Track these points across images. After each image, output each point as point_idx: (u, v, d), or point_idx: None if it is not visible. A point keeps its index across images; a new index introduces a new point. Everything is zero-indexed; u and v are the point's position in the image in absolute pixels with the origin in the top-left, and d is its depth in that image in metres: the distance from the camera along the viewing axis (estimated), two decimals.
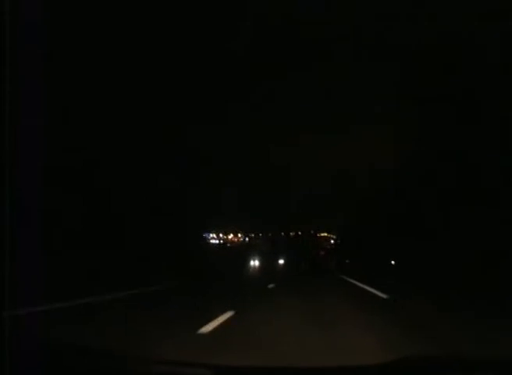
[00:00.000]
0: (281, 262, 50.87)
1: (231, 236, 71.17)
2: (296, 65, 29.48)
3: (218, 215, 50.29)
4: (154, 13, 21.40)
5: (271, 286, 15.78)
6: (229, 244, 67.59)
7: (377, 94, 27.73)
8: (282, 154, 48.29)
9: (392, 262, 29.45)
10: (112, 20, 20.10)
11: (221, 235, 68.42)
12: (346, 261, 42.12)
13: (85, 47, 19.53)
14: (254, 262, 47.57)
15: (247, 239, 71.09)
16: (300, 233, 71.66)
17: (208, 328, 5.44)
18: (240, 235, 72.24)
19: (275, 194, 57.23)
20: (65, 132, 17.32)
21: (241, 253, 49.99)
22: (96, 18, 19.37)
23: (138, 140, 24.83)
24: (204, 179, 35.90)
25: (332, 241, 69.08)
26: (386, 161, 28.36)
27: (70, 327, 5.31)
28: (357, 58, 25.45)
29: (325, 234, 72.84)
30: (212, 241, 63.16)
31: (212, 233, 64.25)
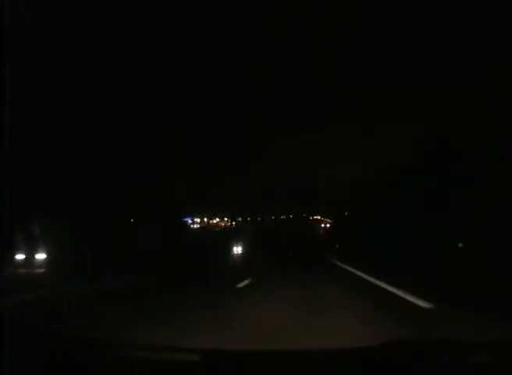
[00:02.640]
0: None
1: (217, 220, 67.59)
2: (296, 65, 29.45)
3: (203, 199, 49.17)
4: (154, 14, 21.42)
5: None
6: (217, 229, 64.38)
7: (377, 94, 27.73)
8: (282, 153, 48.33)
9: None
10: (111, 21, 20.13)
11: (205, 219, 65.17)
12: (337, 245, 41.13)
13: (85, 47, 19.54)
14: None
15: (233, 223, 67.91)
16: (291, 216, 70.07)
17: None
18: (226, 219, 69.87)
19: (270, 187, 56.87)
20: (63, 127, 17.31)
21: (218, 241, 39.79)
22: (96, 20, 19.40)
23: (137, 136, 24.94)
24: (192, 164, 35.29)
25: (323, 225, 68.48)
26: (386, 160, 28.37)
27: (57, 315, 5.18)
28: (357, 58, 25.43)
29: (319, 217, 72.19)
30: (196, 226, 60.92)
31: (197, 217, 61.67)
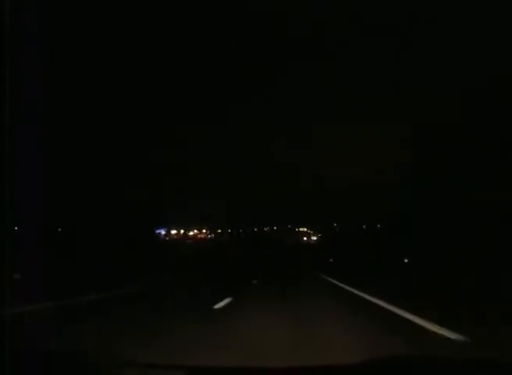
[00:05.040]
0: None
1: (195, 232, 64.96)
2: (296, 65, 29.50)
3: (181, 210, 47.45)
4: (154, 14, 21.42)
5: None
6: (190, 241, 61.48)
7: (377, 94, 27.75)
8: (282, 153, 48.36)
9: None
10: (111, 22, 20.11)
11: (182, 231, 63.37)
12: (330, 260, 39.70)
13: (85, 47, 19.53)
14: None
15: (212, 235, 66.32)
16: (275, 228, 68.22)
17: None
18: (204, 231, 66.14)
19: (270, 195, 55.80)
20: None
21: None
22: (96, 20, 19.38)
23: (135, 136, 24.88)
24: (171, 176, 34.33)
25: (314, 237, 66.74)
26: (386, 160, 28.34)
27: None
28: (357, 58, 25.46)
29: (305, 229, 70.64)
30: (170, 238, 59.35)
31: (172, 229, 59.92)
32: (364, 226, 39.49)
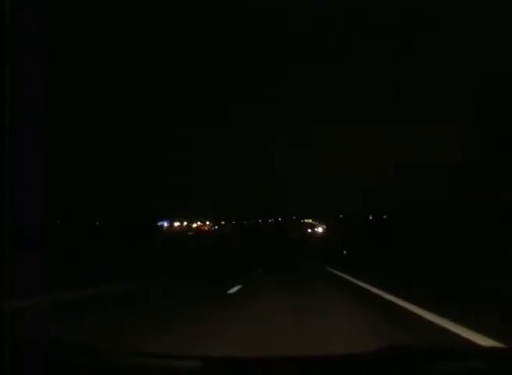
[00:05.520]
0: None
1: (198, 224, 64.05)
2: (296, 65, 29.53)
3: (181, 210, 46.89)
4: (154, 14, 21.43)
5: None
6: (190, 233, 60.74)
7: (377, 94, 27.75)
8: (282, 153, 48.40)
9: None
10: (111, 21, 20.12)
11: (185, 223, 61.58)
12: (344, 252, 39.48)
13: (85, 47, 19.55)
14: None
15: (216, 227, 65.46)
16: (280, 219, 66.87)
17: None
18: (208, 223, 65.46)
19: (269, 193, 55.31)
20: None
21: None
22: (96, 20, 19.38)
23: (135, 136, 24.87)
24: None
25: (320, 229, 64.82)
26: (385, 160, 28.34)
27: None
28: (357, 58, 25.48)
29: (310, 221, 69.19)
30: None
31: (176, 221, 60.87)
32: (370, 217, 39.34)
